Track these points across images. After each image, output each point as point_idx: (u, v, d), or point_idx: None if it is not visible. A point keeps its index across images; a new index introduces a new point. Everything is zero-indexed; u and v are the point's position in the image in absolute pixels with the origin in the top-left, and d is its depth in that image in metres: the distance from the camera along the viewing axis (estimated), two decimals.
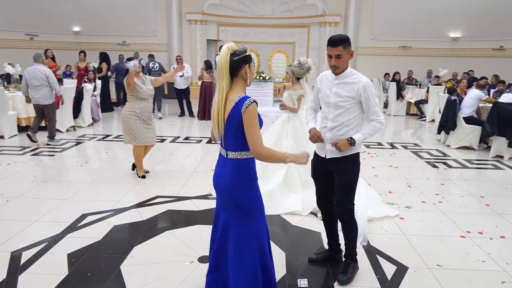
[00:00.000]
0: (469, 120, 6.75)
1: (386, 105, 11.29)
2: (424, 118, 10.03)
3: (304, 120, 4.33)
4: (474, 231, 3.55)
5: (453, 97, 6.87)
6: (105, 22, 13.51)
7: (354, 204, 2.68)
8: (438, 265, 2.96)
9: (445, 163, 5.93)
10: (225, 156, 2.12)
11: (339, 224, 2.84)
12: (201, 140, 7.30)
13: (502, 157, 6.23)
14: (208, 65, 9.56)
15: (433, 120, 9.78)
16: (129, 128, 4.63)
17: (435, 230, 3.58)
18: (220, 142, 2.20)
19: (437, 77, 10.58)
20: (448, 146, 6.96)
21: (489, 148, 6.66)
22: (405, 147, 7.00)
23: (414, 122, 10.06)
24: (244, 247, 2.10)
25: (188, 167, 5.50)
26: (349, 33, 13.32)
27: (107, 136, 7.50)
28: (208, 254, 2.94)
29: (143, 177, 4.90)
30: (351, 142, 2.49)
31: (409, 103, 10.92)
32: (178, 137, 7.56)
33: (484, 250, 3.22)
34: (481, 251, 3.20)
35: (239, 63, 2.03)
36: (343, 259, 2.81)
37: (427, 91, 9.81)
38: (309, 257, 3.01)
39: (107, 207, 3.98)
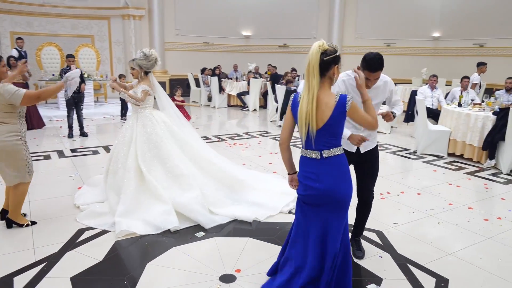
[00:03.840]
0: None
1: (210, 99, 11.82)
2: (247, 108, 11.10)
3: (155, 121, 3.82)
4: (384, 192, 4.49)
5: (293, 88, 8.01)
6: None
7: None
8: (395, 223, 3.67)
9: None
10: (319, 157, 2.10)
11: None
12: (48, 155, 5.88)
13: None
14: (7, 62, 7.56)
15: (255, 109, 11.02)
16: (23, 160, 3.29)
17: None
18: (305, 145, 2.14)
19: (250, 72, 11.83)
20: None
21: None
22: (262, 135, 7.71)
23: (239, 112, 10.94)
24: (337, 244, 2.18)
25: (74, 189, 4.43)
26: (154, 27, 13.15)
27: None
28: (227, 272, 2.70)
29: (33, 223, 3.48)
30: (394, 115, 2.85)
31: (229, 95, 11.78)
32: None
33: (405, 204, 4.15)
34: (405, 206, 4.11)
35: (329, 63, 2.04)
36: (356, 238, 3.12)
37: (248, 84, 10.90)
38: None
39: (31, 259, 2.89)
